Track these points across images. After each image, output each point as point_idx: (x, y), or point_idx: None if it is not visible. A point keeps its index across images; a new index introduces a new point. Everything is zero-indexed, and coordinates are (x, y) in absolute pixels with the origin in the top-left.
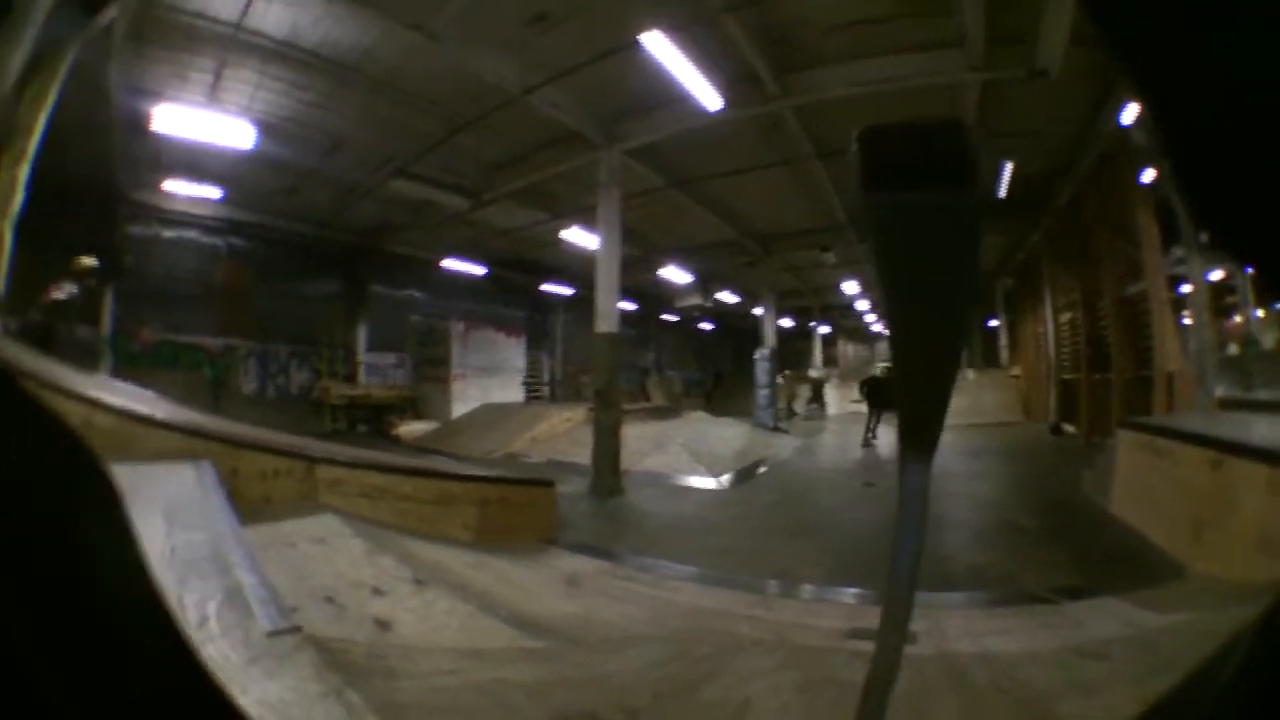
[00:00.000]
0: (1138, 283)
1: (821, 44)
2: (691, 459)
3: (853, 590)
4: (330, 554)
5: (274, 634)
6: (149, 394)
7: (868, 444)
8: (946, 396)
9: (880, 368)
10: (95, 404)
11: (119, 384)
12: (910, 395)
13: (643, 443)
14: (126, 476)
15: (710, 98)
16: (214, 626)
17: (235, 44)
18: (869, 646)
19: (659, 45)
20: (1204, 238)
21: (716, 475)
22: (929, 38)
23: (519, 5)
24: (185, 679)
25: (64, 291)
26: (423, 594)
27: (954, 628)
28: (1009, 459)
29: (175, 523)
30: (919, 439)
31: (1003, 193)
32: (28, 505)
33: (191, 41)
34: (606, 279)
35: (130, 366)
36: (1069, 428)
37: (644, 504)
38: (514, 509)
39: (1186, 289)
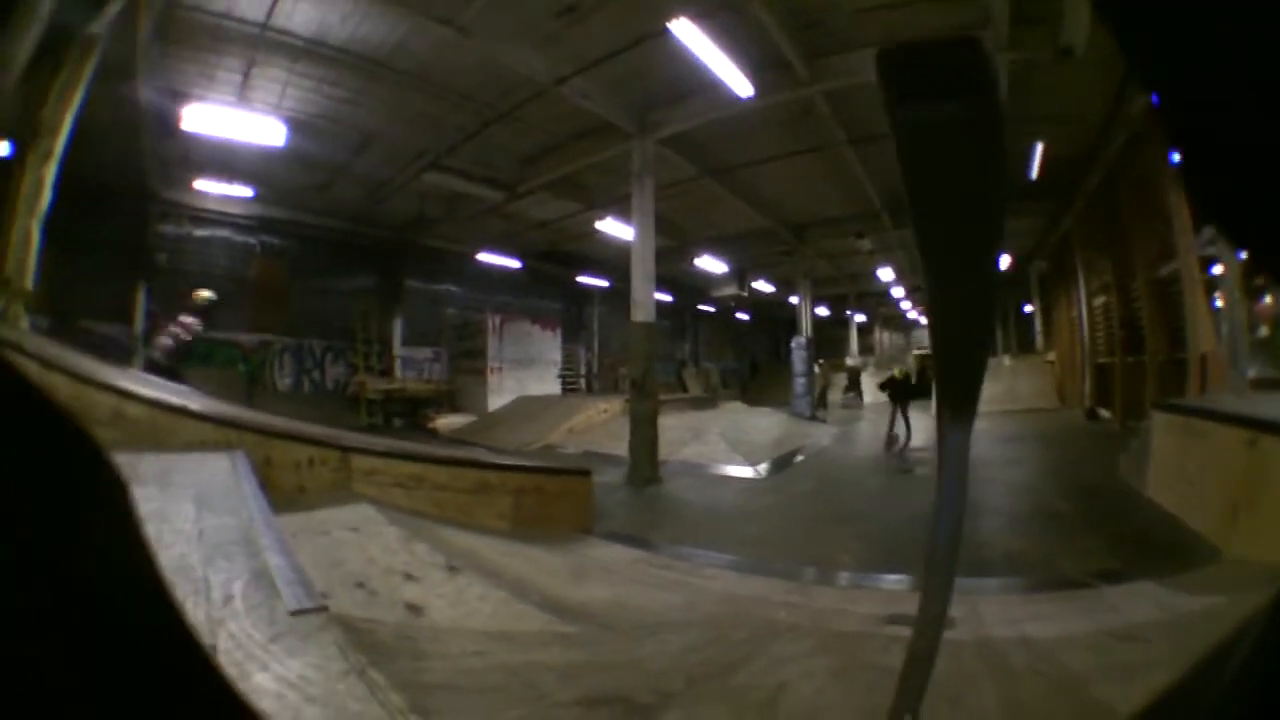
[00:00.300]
0: (1170, 264)
1: (850, 28)
2: (728, 448)
3: (890, 577)
4: (363, 541)
5: (299, 613)
6: (182, 388)
7: (895, 446)
8: (985, 351)
9: (899, 369)
10: (126, 394)
11: (151, 378)
12: (947, 350)
13: (679, 433)
14: (158, 465)
15: (741, 85)
16: (239, 605)
17: (263, 43)
18: (907, 632)
19: (688, 32)
20: (1209, 228)
21: (753, 464)
22: (955, 19)
23: None
24: (193, 673)
25: (185, 330)
26: (455, 580)
27: (991, 614)
28: (1045, 445)
29: (205, 507)
30: (958, 401)
31: (1034, 175)
32: (28, 498)
33: (218, 41)
34: (642, 268)
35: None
36: (1104, 412)
37: (681, 493)
38: (550, 499)
39: (1218, 270)
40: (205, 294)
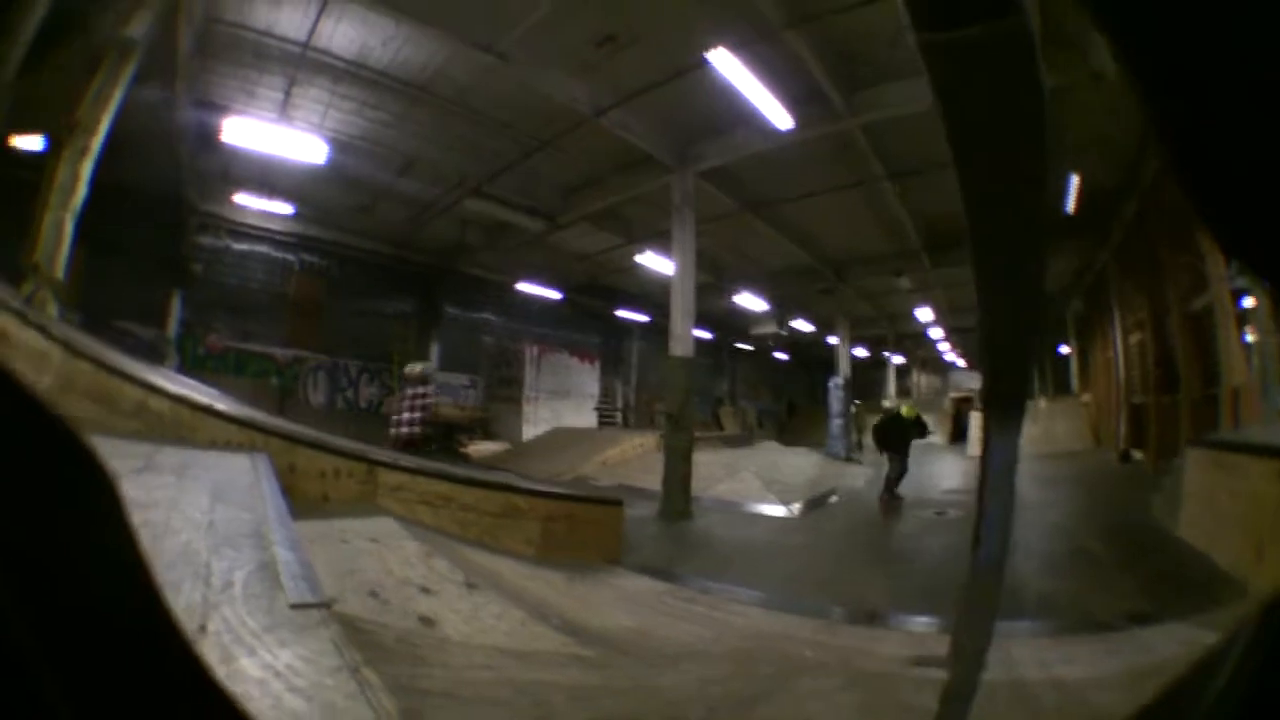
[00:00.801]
0: (1202, 297)
1: (885, 58)
2: (762, 486)
3: (919, 619)
4: (382, 553)
5: (299, 606)
6: (211, 390)
7: (887, 495)
8: (1034, 343)
9: (905, 406)
10: (152, 388)
11: (183, 378)
12: (993, 342)
13: (714, 469)
14: (178, 457)
15: (780, 117)
16: (237, 592)
17: (304, 62)
18: (935, 674)
19: (726, 63)
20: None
21: (787, 503)
22: None
23: (586, 27)
24: (176, 666)
25: (424, 406)
26: (473, 597)
27: (1024, 656)
28: (1078, 487)
29: (220, 500)
30: (1004, 405)
31: (1070, 208)
32: (18, 501)
33: (259, 58)
34: (681, 303)
35: (196, 369)
36: (1137, 454)
37: (713, 529)
38: (580, 527)
39: (1249, 303)
40: (422, 366)
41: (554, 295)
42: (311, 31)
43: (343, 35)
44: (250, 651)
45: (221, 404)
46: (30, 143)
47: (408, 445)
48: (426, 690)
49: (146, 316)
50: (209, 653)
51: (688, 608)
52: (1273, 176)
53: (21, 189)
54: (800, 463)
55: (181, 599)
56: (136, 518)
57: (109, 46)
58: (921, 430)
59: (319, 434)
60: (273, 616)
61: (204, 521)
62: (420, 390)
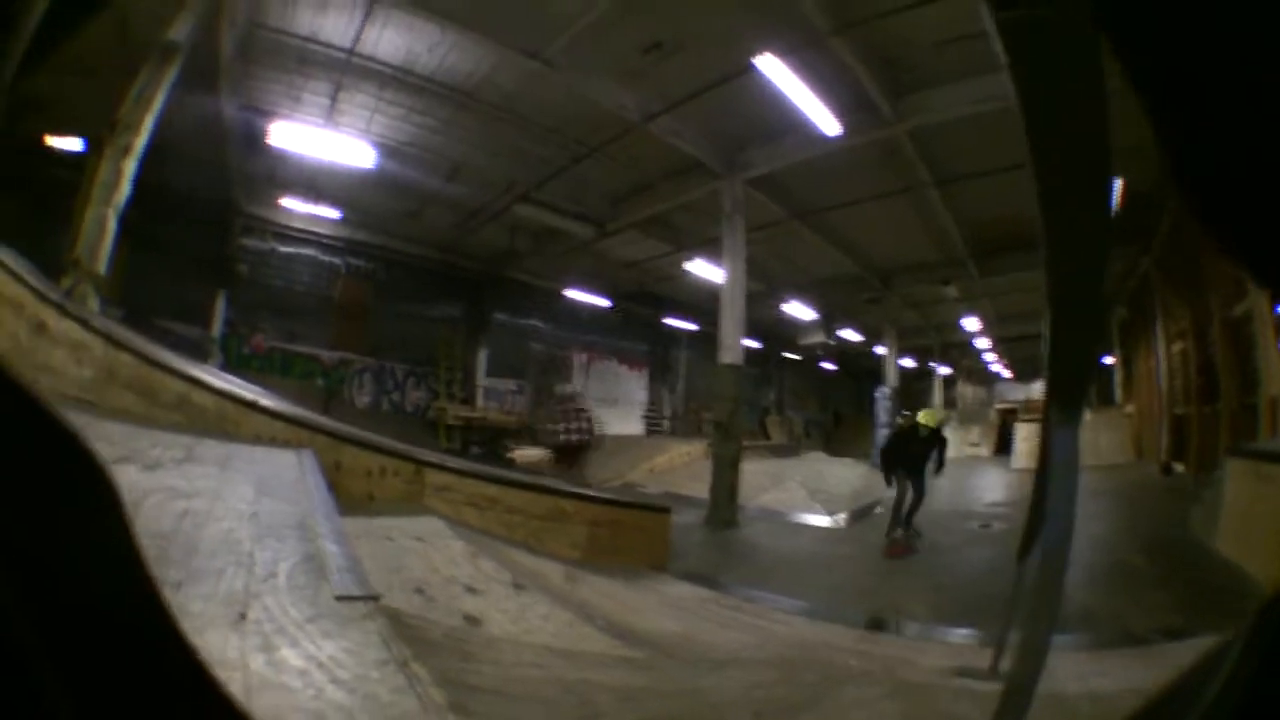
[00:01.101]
0: (1242, 303)
1: (930, 63)
2: (808, 497)
3: (960, 631)
4: (428, 551)
5: (344, 598)
6: (256, 388)
7: (901, 530)
8: (1099, 330)
9: (926, 414)
10: (195, 382)
11: (227, 375)
12: (1058, 337)
13: (760, 479)
14: (220, 450)
15: (829, 123)
16: (281, 582)
17: (350, 68)
18: (977, 685)
19: (774, 69)
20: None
21: (832, 514)
22: None
23: (633, 33)
24: (180, 674)
25: (583, 420)
26: (520, 597)
27: (1063, 669)
28: (1120, 500)
29: (265, 493)
30: (1067, 398)
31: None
32: (17, 500)
33: (304, 64)
34: (731, 310)
35: (240, 368)
36: (1179, 466)
37: (758, 538)
38: (626, 532)
39: None
40: (571, 386)
41: (602, 302)
42: (356, 38)
43: (388, 41)
44: (292, 642)
45: (266, 400)
46: (68, 143)
47: (576, 450)
48: (475, 686)
49: (190, 315)
50: (249, 641)
51: (732, 615)
52: (1269, 178)
53: (59, 187)
54: (846, 473)
55: (223, 586)
56: (178, 506)
57: (150, 49)
58: (942, 446)
59: (365, 433)
60: (317, 608)
61: (247, 512)
62: (575, 405)
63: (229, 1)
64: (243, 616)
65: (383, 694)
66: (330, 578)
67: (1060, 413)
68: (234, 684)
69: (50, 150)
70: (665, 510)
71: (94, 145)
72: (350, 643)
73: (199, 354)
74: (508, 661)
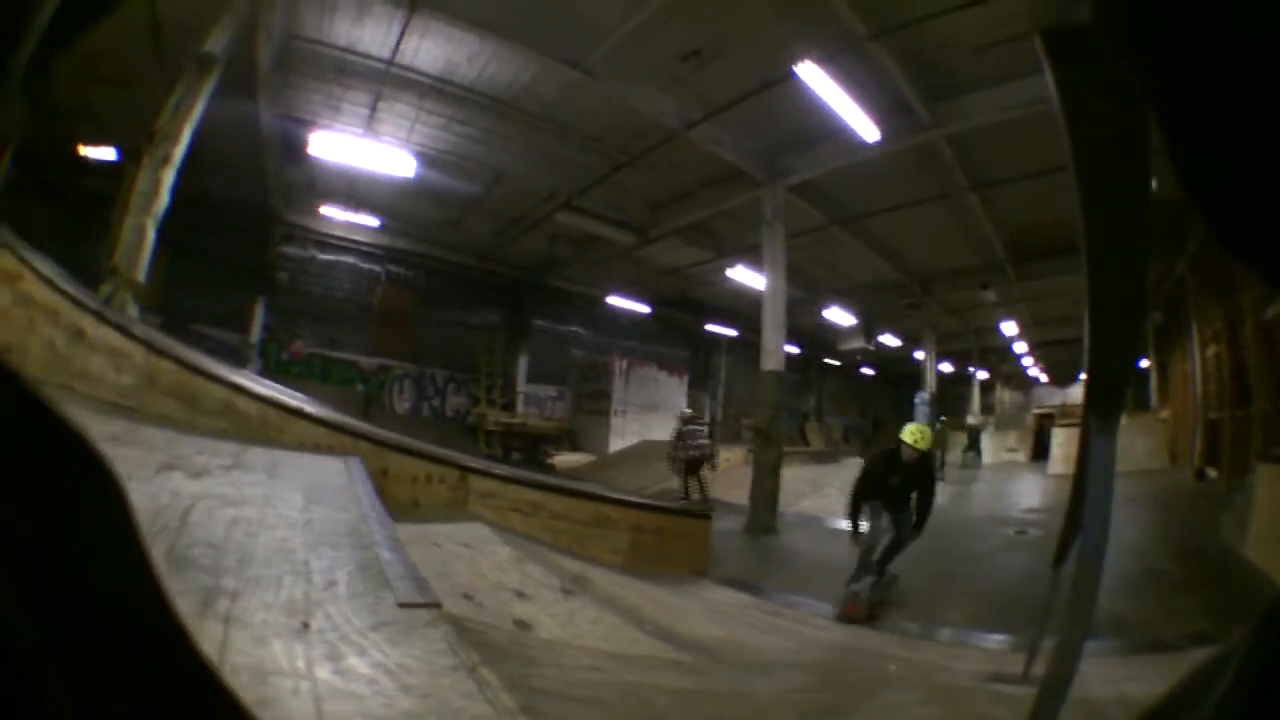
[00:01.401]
0: (1276, 305)
1: (968, 67)
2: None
3: (993, 637)
4: (475, 557)
5: (408, 606)
6: (298, 394)
7: (867, 581)
8: (1136, 341)
9: (914, 430)
10: (239, 389)
11: (267, 381)
12: (1096, 347)
13: (799, 485)
14: (267, 457)
15: (868, 129)
16: (341, 590)
17: (389, 78)
18: (1011, 690)
19: (813, 76)
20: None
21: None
22: None
23: (672, 42)
24: (186, 674)
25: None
26: (568, 602)
27: (1094, 675)
28: (1153, 506)
29: (315, 500)
30: (1104, 407)
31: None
32: (25, 502)
33: (343, 74)
34: (772, 316)
35: (279, 374)
36: (1211, 472)
37: (797, 544)
38: (667, 538)
39: None
40: (691, 410)
41: (643, 309)
42: (395, 48)
43: (427, 52)
44: (359, 650)
45: (311, 407)
46: (102, 153)
47: (698, 463)
48: (540, 689)
49: (229, 321)
50: (314, 650)
51: (773, 621)
52: (1270, 168)
53: (93, 196)
54: None
55: (282, 595)
56: (228, 513)
57: (186, 61)
58: (929, 482)
59: (410, 440)
60: (379, 615)
61: (300, 520)
62: (698, 425)
63: (264, 14)
64: (305, 625)
65: (454, 700)
66: (392, 585)
67: (1098, 421)
68: (302, 694)
69: (84, 160)
70: (706, 516)
71: (129, 155)
72: (417, 650)
73: (238, 360)
74: (568, 665)
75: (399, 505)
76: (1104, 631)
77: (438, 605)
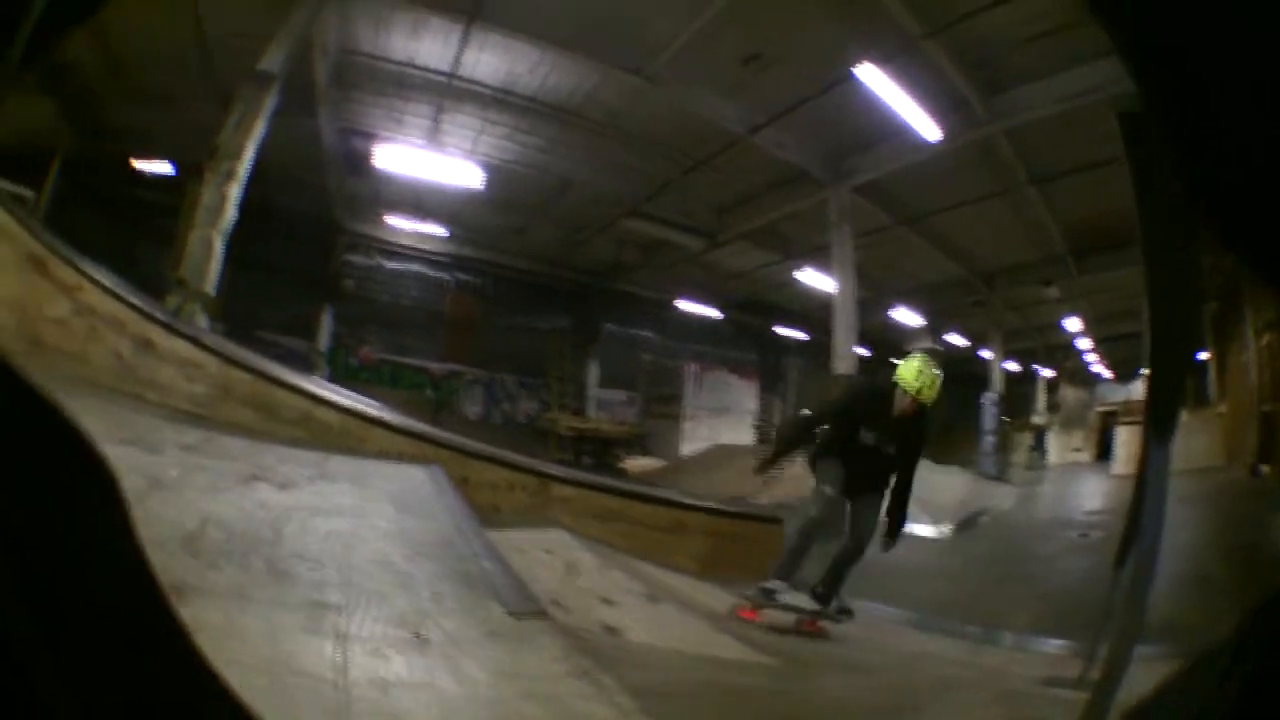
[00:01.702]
0: None
1: (1020, 60)
2: (915, 507)
3: (1054, 641)
4: (559, 564)
5: (517, 614)
6: (371, 400)
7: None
8: (1192, 349)
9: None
10: (318, 399)
11: (336, 387)
12: (1156, 357)
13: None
14: (350, 467)
15: (928, 128)
16: (450, 603)
17: (451, 90)
18: (1069, 694)
19: (872, 77)
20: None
21: (937, 524)
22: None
23: (731, 47)
24: (186, 672)
25: None
26: (653, 607)
27: (1141, 680)
28: (1204, 505)
29: (405, 511)
30: (1163, 413)
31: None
32: (23, 495)
33: (404, 87)
34: (843, 318)
35: (348, 380)
36: (1265, 469)
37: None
38: (742, 544)
39: None
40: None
41: (713, 313)
42: (455, 61)
43: (487, 64)
44: (477, 660)
45: (390, 416)
46: (154, 166)
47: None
48: (648, 691)
49: (294, 328)
50: (434, 661)
51: (843, 629)
52: (1269, 172)
53: (147, 208)
54: (951, 482)
55: (390, 608)
56: (321, 526)
57: (240, 79)
58: (918, 449)
59: (490, 447)
60: (490, 625)
61: (394, 530)
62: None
63: (319, 31)
64: (418, 636)
65: (577, 704)
66: (496, 595)
67: (1156, 430)
68: (430, 705)
69: (137, 173)
70: (778, 521)
71: (186, 169)
72: (532, 657)
73: (306, 366)
74: (667, 668)
75: (479, 511)
76: (1157, 636)
77: (544, 613)
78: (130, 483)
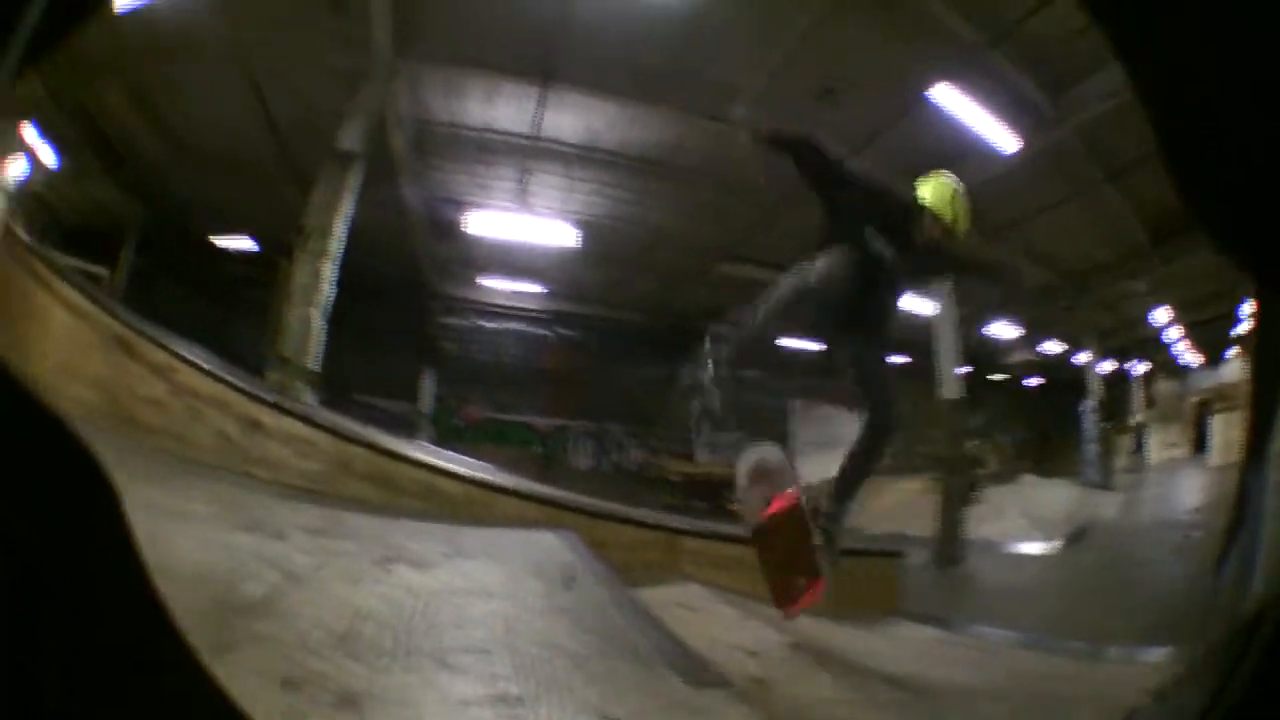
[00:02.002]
0: None
1: (1077, 49)
2: (1024, 524)
3: (1161, 651)
4: (699, 619)
5: (695, 685)
6: (487, 464)
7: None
8: None
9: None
10: (439, 470)
11: (460, 455)
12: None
13: (979, 509)
14: (481, 539)
15: (1004, 139)
16: (627, 678)
17: (533, 151)
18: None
19: (946, 96)
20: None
21: (1048, 539)
22: None
23: (803, 82)
24: (182, 678)
25: None
26: (793, 655)
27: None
28: None
29: (553, 583)
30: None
31: None
32: (26, 508)
33: (485, 152)
34: (946, 342)
35: (451, 440)
36: None
37: (980, 572)
38: (859, 580)
39: None
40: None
41: (815, 346)
42: (535, 123)
43: (566, 123)
44: None
45: (513, 481)
46: (234, 242)
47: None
48: None
49: (394, 392)
50: None
51: (962, 652)
52: (1262, 179)
53: (229, 282)
54: (1056, 495)
55: (571, 695)
56: (476, 609)
57: (323, 157)
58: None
59: (616, 505)
60: (673, 697)
61: (549, 607)
62: None
63: (392, 105)
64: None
65: None
66: (669, 665)
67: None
68: None
69: (215, 248)
70: (894, 554)
71: (268, 245)
72: None
73: (408, 428)
74: (841, 717)
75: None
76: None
77: (727, 683)
78: (266, 578)
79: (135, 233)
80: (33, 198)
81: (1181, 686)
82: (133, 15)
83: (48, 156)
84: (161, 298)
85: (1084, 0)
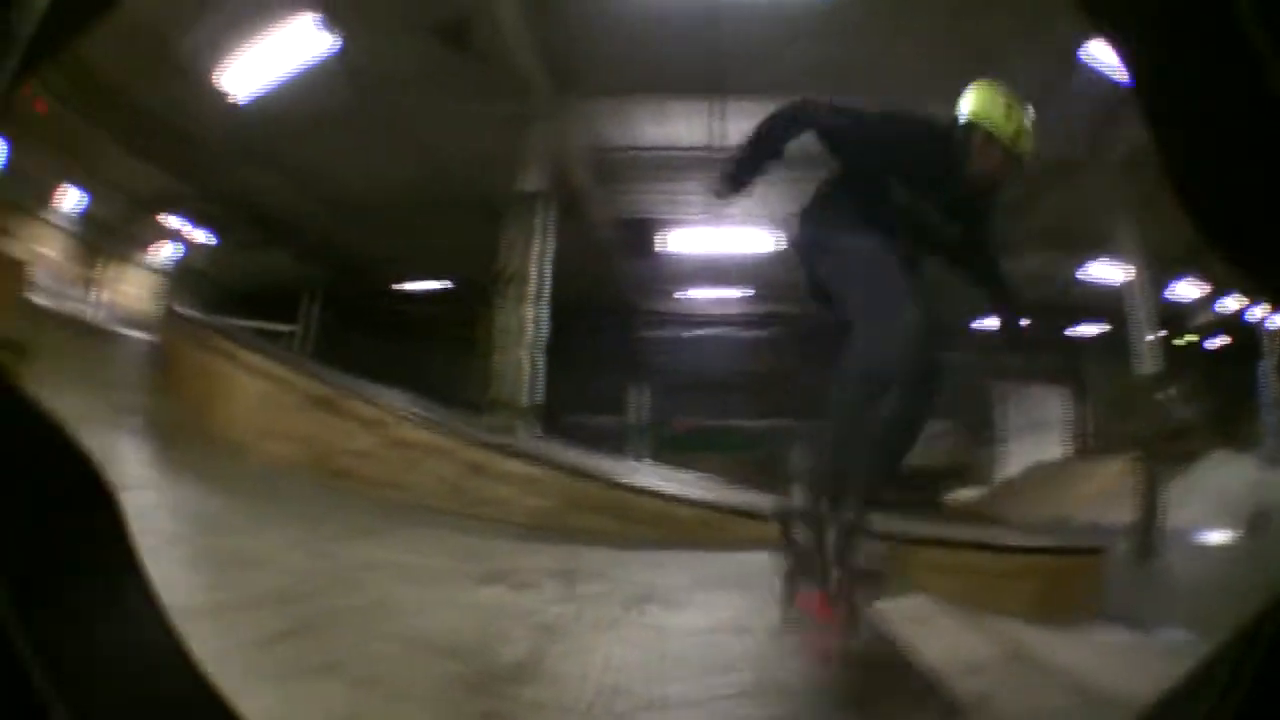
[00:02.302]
0: None
1: None
2: (1216, 508)
3: None
4: (927, 634)
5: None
6: (696, 477)
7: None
8: None
9: None
10: (670, 498)
11: (680, 472)
12: None
13: (1177, 492)
14: (723, 567)
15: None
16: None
17: (716, 163)
18: None
19: (1101, 51)
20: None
21: (1224, 526)
22: None
23: (960, 60)
24: (183, 682)
25: None
26: (1018, 668)
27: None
28: None
29: None
30: None
31: None
32: (32, 524)
33: (667, 169)
34: (1142, 313)
35: (664, 451)
36: None
37: (1177, 565)
38: (1064, 581)
39: None
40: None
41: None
42: (714, 133)
43: (739, 131)
44: None
45: (743, 500)
46: (419, 286)
47: None
48: None
49: (604, 408)
50: None
51: (1156, 662)
52: (1267, 190)
53: (410, 324)
54: (1232, 474)
55: None
56: (735, 648)
57: (511, 201)
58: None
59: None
60: None
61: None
62: None
63: (559, 143)
64: None
65: None
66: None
67: None
68: None
69: (396, 293)
70: (1097, 551)
71: (461, 287)
72: None
73: (620, 444)
74: None
75: None
76: None
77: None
78: (519, 633)
79: (319, 289)
80: (196, 274)
81: (1183, 689)
82: (257, 102)
83: (202, 237)
84: (356, 346)
85: (1085, 8)
